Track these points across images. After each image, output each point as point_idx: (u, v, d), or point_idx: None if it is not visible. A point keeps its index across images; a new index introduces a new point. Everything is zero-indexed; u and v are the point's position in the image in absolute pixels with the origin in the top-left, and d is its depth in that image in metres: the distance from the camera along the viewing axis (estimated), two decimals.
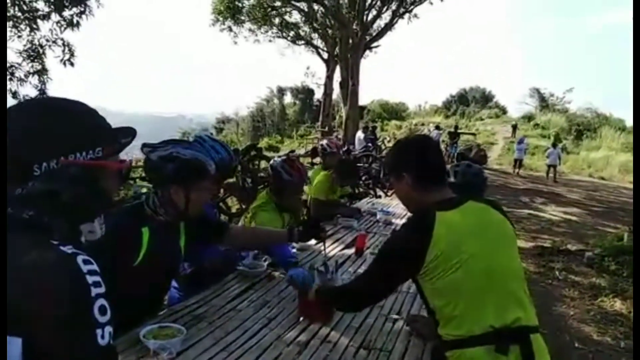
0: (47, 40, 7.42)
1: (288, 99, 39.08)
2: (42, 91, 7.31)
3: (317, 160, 10.71)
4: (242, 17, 21.29)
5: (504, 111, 36.98)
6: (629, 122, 27.31)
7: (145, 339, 1.55)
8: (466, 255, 1.38)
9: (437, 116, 33.86)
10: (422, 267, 1.39)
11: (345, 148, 9.13)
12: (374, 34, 20.07)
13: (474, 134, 25.59)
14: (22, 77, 7.26)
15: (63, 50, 7.52)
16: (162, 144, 1.81)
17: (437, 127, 22.02)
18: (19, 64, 7.27)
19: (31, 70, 7.32)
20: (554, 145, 17.04)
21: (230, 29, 21.34)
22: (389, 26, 19.48)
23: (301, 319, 1.93)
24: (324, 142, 4.61)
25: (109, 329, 0.73)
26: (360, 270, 2.62)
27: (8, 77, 7.15)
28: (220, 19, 20.82)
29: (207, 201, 1.98)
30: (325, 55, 24.22)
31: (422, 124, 30.37)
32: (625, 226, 7.27)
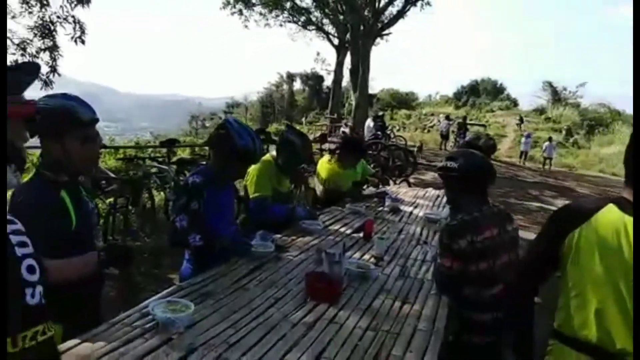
0: (58, 17, 7.37)
1: (297, 85, 38.88)
2: (53, 68, 7.30)
3: (326, 146, 10.69)
4: (253, 0, 21.11)
5: (515, 103, 36.52)
6: None
7: (153, 312, 1.55)
8: (601, 264, 1.30)
9: (447, 106, 33.49)
10: (561, 244, 1.36)
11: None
12: (386, 20, 19.81)
13: (484, 126, 25.36)
14: (34, 53, 7.25)
15: (74, 28, 7.46)
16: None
17: (447, 118, 21.87)
18: (30, 40, 7.25)
19: (42, 47, 7.30)
20: (550, 140, 18.74)
21: (241, 12, 21.19)
22: (401, 13, 19.22)
23: (308, 299, 1.92)
24: (347, 129, 4.55)
25: (39, 289, 0.70)
26: (367, 256, 2.62)
27: (20, 53, 7.16)
28: (231, 1, 20.66)
29: (94, 154, 1.68)
30: (336, 42, 23.99)
31: (432, 114, 30.12)
32: None
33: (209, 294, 1.87)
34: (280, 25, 23.25)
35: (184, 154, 8.98)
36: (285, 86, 38.77)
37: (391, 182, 7.84)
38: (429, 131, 25.62)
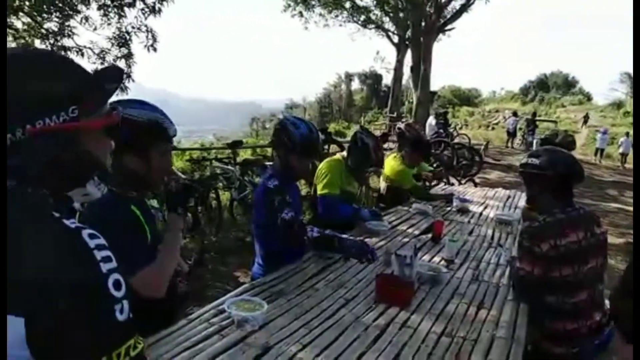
0: (133, 27, 7.87)
1: (356, 84, 38.83)
2: (128, 74, 7.79)
3: (387, 145, 10.54)
4: (313, 2, 21.28)
5: (588, 98, 34.19)
6: None
7: (229, 309, 1.58)
8: None
9: (513, 102, 32.04)
10: None
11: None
12: (449, 16, 19.18)
13: (554, 122, 23.96)
14: (112, 61, 7.78)
15: (147, 36, 7.94)
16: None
17: (514, 114, 20.87)
18: (109, 49, 7.81)
19: (119, 55, 7.83)
20: (627, 134, 17.68)
21: (301, 14, 21.43)
22: (465, 7, 18.51)
23: (373, 304, 1.87)
24: (402, 125, 4.40)
25: (126, 304, 0.68)
26: (437, 258, 2.53)
27: (100, 62, 7.72)
28: (292, 4, 20.95)
29: (169, 166, 1.62)
30: (396, 39, 23.62)
31: (497, 111, 28.91)
32: None
33: (280, 293, 1.89)
34: (340, 25, 23.26)
35: (245, 154, 9.23)
36: (343, 86, 38.85)
37: (456, 181, 7.60)
38: (493, 128, 24.62)
